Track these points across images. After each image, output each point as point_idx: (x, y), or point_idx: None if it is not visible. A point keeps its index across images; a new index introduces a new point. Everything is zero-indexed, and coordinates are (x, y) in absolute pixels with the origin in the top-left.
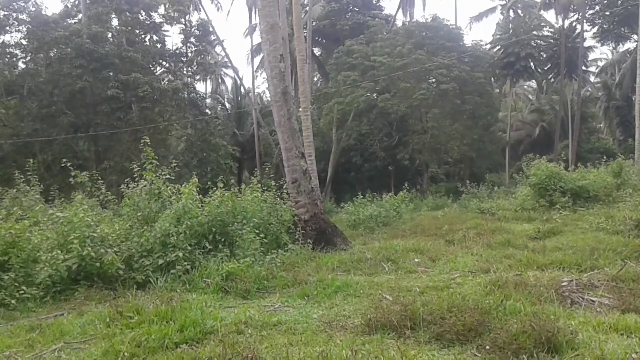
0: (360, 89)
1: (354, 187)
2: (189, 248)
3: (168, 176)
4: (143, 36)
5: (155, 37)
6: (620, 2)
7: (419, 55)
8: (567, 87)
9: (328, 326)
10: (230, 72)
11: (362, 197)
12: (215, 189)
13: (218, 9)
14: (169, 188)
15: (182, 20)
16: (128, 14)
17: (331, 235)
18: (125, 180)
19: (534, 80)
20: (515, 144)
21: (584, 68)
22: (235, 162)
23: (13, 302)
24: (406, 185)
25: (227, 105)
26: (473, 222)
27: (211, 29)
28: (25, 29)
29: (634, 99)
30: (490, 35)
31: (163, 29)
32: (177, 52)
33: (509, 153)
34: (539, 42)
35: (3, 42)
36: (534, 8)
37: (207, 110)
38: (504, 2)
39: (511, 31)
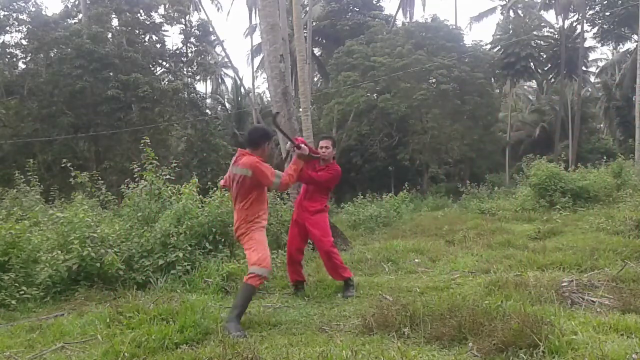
0: (360, 89)
1: (354, 187)
2: (189, 248)
3: (168, 176)
4: (143, 36)
5: (155, 37)
6: (620, 2)
7: (418, 55)
8: (567, 87)
9: (328, 326)
10: (230, 72)
11: (362, 197)
12: (215, 189)
13: (218, 9)
14: (169, 188)
15: (182, 20)
16: (128, 14)
17: None
18: (125, 180)
19: (534, 80)
20: (515, 144)
21: (584, 68)
22: None
23: (13, 302)
24: (406, 185)
25: (227, 105)
26: (473, 222)
27: (211, 29)
28: (25, 29)
29: (634, 99)
30: (490, 35)
31: (163, 28)
32: (177, 52)
33: (509, 153)
34: (539, 42)
35: (3, 42)
36: (533, 8)
37: (207, 110)
38: (504, 2)
39: (511, 31)
